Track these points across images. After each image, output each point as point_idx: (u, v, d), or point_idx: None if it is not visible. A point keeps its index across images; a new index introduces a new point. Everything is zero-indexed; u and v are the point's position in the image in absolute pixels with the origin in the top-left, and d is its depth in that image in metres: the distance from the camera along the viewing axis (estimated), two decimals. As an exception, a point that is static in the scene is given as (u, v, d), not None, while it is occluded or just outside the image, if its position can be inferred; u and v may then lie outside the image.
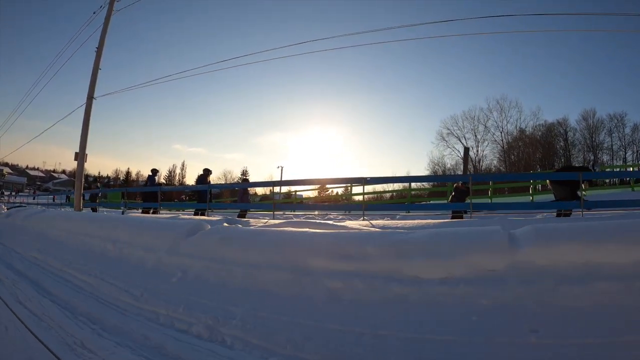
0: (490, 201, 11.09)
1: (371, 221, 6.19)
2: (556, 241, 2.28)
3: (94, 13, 11.33)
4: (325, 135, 61.48)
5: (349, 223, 5.69)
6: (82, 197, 11.91)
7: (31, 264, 3.81)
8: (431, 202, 12.51)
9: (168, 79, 11.35)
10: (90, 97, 9.95)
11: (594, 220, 4.33)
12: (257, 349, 1.97)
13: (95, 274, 3.40)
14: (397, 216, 9.06)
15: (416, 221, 6.01)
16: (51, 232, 4.66)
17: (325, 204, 14.16)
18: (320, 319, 2.17)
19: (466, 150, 6.71)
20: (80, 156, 8.73)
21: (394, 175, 12.58)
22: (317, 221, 4.71)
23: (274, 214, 7.67)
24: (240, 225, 4.34)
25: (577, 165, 6.48)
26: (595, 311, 1.90)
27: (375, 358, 1.83)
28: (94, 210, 10.99)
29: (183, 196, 16.41)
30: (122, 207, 10.90)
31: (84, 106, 9.94)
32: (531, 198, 10.81)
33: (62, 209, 10.48)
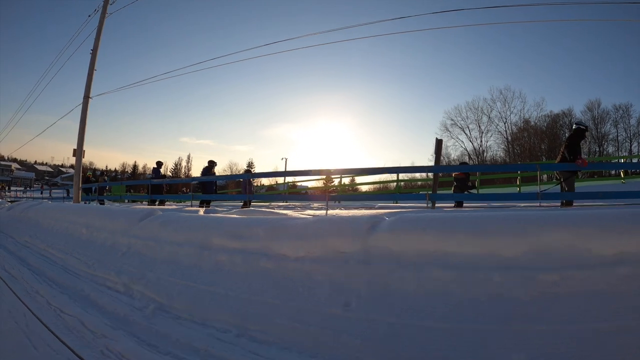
0: (477, 192, 11.62)
1: (334, 210, 7.11)
2: (408, 229, 2.69)
3: (89, 16, 12.64)
4: (333, 127, 62.61)
5: (308, 212, 6.64)
6: (89, 190, 13.50)
7: (22, 246, 5.09)
8: (421, 192, 13.15)
9: (166, 76, 12.59)
10: (87, 97, 11.32)
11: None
12: (147, 298, 3.02)
13: (68, 252, 4.59)
14: (376, 205, 9.94)
15: (376, 210, 6.86)
16: (43, 221, 5.96)
17: (313, 194, 15.08)
18: (201, 282, 3.13)
19: (439, 141, 7.24)
20: (78, 152, 10.12)
21: (368, 167, 13.26)
22: (263, 210, 5.69)
23: (250, 202, 8.77)
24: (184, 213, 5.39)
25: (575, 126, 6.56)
26: (421, 295, 2.22)
27: (217, 308, 2.72)
28: (101, 202, 12.42)
29: (184, 188, 17.82)
30: (120, 200, 12.21)
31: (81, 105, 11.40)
32: (518, 189, 11.26)
33: (65, 202, 12.16)
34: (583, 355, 1.71)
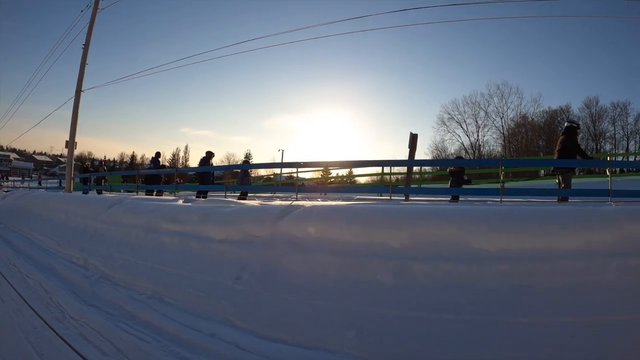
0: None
1: (303, 201, 7.92)
2: (307, 218, 3.36)
3: (82, 11, 13.47)
4: (334, 118, 63.67)
5: (276, 202, 7.46)
6: (87, 180, 14.55)
7: (10, 231, 6.09)
8: (412, 186, 13.84)
9: (160, 68, 13.36)
10: (79, 91, 12.24)
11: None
12: (98, 270, 3.89)
13: (47, 235, 5.53)
14: (355, 197, 10.70)
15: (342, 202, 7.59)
16: (31, 209, 6.96)
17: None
18: (142, 258, 3.97)
19: (414, 136, 7.82)
20: (70, 144, 11.12)
21: (339, 160, 13.90)
22: (225, 199, 6.52)
23: (225, 194, 9.64)
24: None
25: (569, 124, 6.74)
26: (304, 275, 2.79)
27: (145, 278, 3.54)
28: (99, 192, 13.39)
29: (177, 179, 18.62)
30: (116, 190, 13.20)
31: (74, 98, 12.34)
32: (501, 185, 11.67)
33: (57, 192, 13.36)
34: (426, 343, 2.07)
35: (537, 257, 2.34)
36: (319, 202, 5.06)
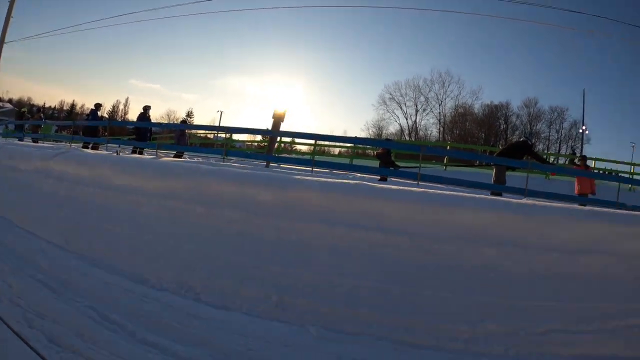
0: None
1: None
2: (61, 159, 6.44)
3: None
4: (279, 86, 64.69)
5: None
6: (22, 128, 16.28)
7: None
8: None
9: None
10: (1, 42, 14.27)
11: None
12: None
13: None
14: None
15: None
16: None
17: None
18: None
19: (279, 114, 9.69)
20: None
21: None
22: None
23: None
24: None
25: (516, 139, 8.06)
26: (48, 190, 5.31)
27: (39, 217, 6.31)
28: (35, 141, 13.34)
29: (105, 133, 19.48)
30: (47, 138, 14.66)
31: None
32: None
33: None
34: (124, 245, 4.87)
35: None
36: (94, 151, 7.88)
